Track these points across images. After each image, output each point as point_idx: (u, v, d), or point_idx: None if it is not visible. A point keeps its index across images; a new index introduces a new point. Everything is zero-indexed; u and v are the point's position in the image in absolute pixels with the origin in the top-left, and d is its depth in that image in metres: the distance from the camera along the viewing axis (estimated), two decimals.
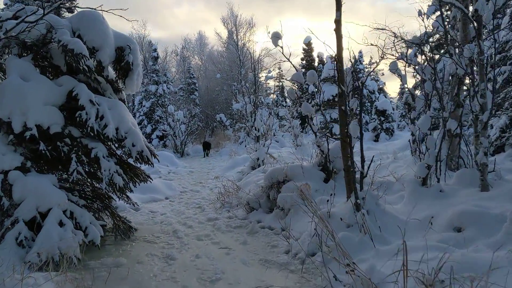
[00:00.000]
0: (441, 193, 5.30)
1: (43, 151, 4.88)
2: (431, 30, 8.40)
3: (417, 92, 9.95)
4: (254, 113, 13.19)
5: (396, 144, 15.04)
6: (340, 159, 6.56)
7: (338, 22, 5.04)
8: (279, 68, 37.96)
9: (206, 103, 34.19)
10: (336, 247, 3.51)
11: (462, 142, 6.48)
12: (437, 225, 4.45)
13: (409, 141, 8.42)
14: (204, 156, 21.84)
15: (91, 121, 5.08)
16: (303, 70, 33.31)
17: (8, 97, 4.75)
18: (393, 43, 6.65)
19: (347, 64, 5.69)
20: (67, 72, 5.52)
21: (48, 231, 4.47)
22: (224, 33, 35.57)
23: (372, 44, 6.50)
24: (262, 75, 27.85)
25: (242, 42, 32.72)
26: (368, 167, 5.03)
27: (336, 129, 19.78)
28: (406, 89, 6.92)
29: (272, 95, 34.61)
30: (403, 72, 6.80)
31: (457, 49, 6.09)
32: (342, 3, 5.07)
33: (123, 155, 5.89)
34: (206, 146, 22.37)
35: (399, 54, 6.73)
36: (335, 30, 5.04)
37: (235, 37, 32.78)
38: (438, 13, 11.39)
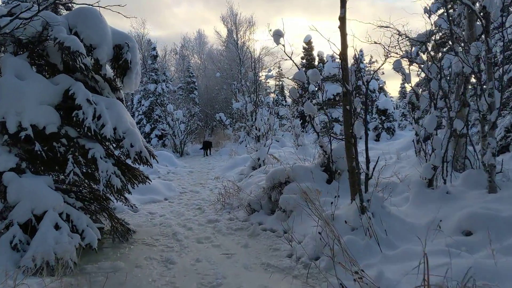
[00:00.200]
0: (447, 195, 5.16)
1: (39, 152, 4.74)
2: (434, 29, 8.26)
3: (419, 91, 9.80)
4: (255, 112, 13.04)
5: (398, 143, 14.90)
6: (343, 159, 6.42)
7: (342, 19, 4.89)
8: (279, 67, 37.81)
9: (205, 102, 34.01)
10: (342, 252, 3.37)
11: (468, 142, 6.35)
12: (445, 229, 4.31)
13: (413, 141, 8.28)
14: (205, 155, 21.76)
15: (88, 121, 4.93)
16: (303, 69, 33.13)
17: (2, 97, 4.60)
18: (397, 41, 6.52)
19: (350, 62, 5.56)
20: (64, 71, 5.37)
21: (43, 234, 4.32)
22: (224, 32, 35.39)
23: (376, 42, 6.38)
24: (262, 74, 27.67)
25: (242, 40, 32.54)
26: (373, 168, 4.89)
27: (337, 128, 19.64)
28: (410, 88, 6.78)
29: (272, 94, 34.46)
30: (407, 71, 6.67)
31: (460, 48, 5.96)
32: (347, 0, 4.93)
33: (121, 156, 5.75)
34: (207, 145, 22.27)
35: (404, 52, 6.60)
36: (339, 27, 4.89)
37: (234, 36, 32.58)
38: (440, 11, 11.27)
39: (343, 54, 4.87)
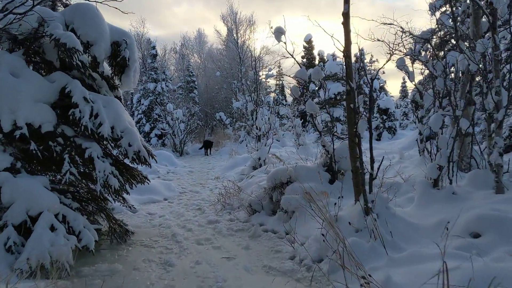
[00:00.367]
0: (453, 196, 5.03)
1: (34, 151, 4.60)
2: (437, 26, 8.12)
3: (422, 89, 9.66)
4: (255, 111, 12.90)
5: (399, 143, 14.77)
6: (345, 159, 6.30)
7: (346, 15, 4.76)
8: (279, 67, 37.67)
9: (205, 101, 33.87)
10: (348, 255, 3.24)
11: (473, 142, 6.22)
12: (452, 230, 4.16)
13: (416, 140, 8.15)
14: (206, 155, 21.69)
15: (85, 120, 4.80)
16: (304, 68, 32.94)
17: None
18: (401, 38, 6.39)
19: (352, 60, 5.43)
20: (61, 68, 5.24)
21: (38, 236, 4.19)
22: (224, 31, 35.24)
23: (379, 40, 6.26)
24: (263, 73, 27.53)
25: (242, 39, 32.40)
26: (378, 168, 4.76)
27: (338, 128, 19.51)
28: (413, 86, 6.65)
29: (272, 94, 34.30)
30: (410, 69, 6.54)
31: (466, 44, 5.83)
32: None
33: (119, 156, 5.62)
34: (208, 145, 22.19)
35: (408, 50, 6.48)
36: (343, 23, 4.76)
37: (234, 35, 32.43)
38: (442, 9, 11.14)
39: (347, 51, 4.74)
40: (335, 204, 4.65)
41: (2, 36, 4.92)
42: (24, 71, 4.84)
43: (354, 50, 4.95)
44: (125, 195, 5.99)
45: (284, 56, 6.49)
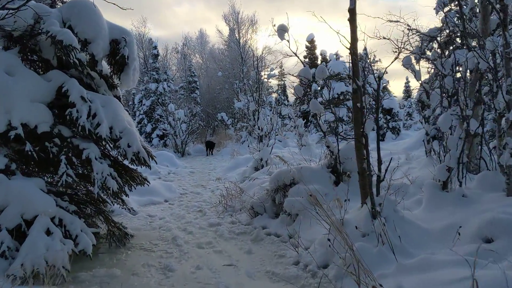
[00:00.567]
0: (463, 198, 4.85)
1: (30, 152, 4.46)
2: (444, 24, 7.95)
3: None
4: (257, 111, 12.73)
5: (403, 143, 14.58)
6: (351, 160, 6.13)
7: (352, 11, 4.60)
8: (281, 67, 37.49)
9: (207, 101, 33.71)
10: (357, 263, 3.08)
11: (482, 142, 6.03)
12: (463, 235, 4.00)
13: (423, 140, 7.96)
14: (207, 155, 21.61)
15: (82, 120, 4.65)
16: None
17: None
18: (407, 36, 6.22)
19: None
20: (58, 67, 5.10)
21: (33, 240, 4.04)
22: (226, 31, 35.13)
23: (385, 38, 6.09)
24: (264, 73, 27.37)
25: (244, 39, 32.26)
26: (386, 170, 4.58)
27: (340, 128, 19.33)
28: (420, 85, 6.48)
29: (274, 94, 34.14)
30: (416, 68, 6.37)
31: (474, 42, 5.66)
32: None
33: (118, 157, 5.47)
34: (210, 145, 22.14)
35: (414, 48, 6.31)
36: (349, 20, 4.60)
37: (236, 35, 32.30)
38: (446, 8, 10.96)
39: (353, 48, 4.58)
40: (341, 207, 4.47)
41: None
42: (19, 69, 4.69)
43: (360, 48, 4.80)
44: (124, 197, 5.84)
45: (286, 55, 6.39)
